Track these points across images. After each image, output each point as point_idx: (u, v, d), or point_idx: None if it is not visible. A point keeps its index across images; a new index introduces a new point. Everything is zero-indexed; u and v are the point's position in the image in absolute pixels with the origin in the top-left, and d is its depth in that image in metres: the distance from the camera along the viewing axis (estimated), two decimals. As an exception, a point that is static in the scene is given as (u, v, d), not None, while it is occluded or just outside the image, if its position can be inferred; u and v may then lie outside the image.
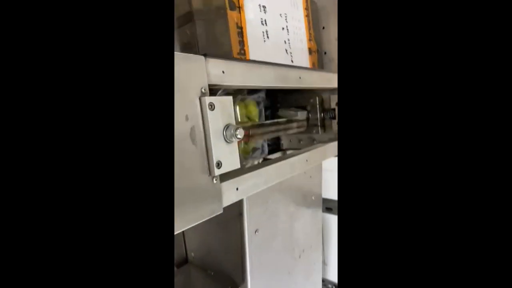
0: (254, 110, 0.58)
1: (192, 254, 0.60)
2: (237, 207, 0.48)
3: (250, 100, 0.59)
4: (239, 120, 0.55)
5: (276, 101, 0.76)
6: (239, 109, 0.56)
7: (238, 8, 0.49)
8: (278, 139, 0.81)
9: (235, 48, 0.48)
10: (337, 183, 0.29)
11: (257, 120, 0.59)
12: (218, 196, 0.35)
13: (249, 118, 0.57)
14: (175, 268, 0.62)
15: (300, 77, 0.53)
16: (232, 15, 0.48)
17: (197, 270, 0.60)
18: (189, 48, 0.48)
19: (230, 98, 0.36)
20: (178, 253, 0.64)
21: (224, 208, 0.37)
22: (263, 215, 0.52)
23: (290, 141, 0.79)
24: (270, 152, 0.74)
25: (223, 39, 0.48)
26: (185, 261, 0.64)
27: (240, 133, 0.35)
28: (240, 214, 0.48)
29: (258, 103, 0.60)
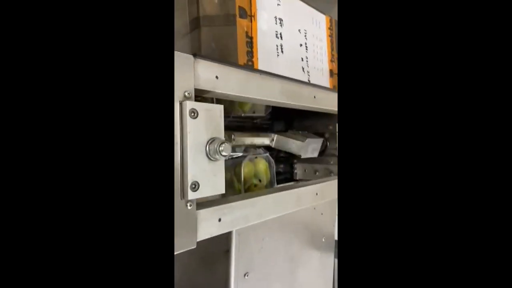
0: (264, 168, 0.53)
1: (174, 290, 0.52)
2: (225, 242, 0.40)
3: (260, 158, 0.53)
4: (243, 178, 0.50)
5: (292, 126, 0.70)
6: (248, 168, 0.50)
7: (250, 17, 0.45)
8: (291, 168, 0.74)
9: (242, 58, 0.43)
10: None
11: (267, 178, 0.54)
12: (192, 226, 0.28)
13: (259, 179, 0.52)
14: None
15: (315, 97, 0.46)
16: (241, 23, 0.43)
17: (178, 311, 0.51)
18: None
19: (221, 106, 0.30)
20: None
21: (210, 242, 0.30)
22: (256, 256, 0.43)
23: (305, 170, 0.71)
24: (280, 182, 0.66)
25: (229, 48, 0.43)
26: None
27: (226, 150, 0.28)
28: (227, 252, 0.40)
29: (268, 161, 0.55)
